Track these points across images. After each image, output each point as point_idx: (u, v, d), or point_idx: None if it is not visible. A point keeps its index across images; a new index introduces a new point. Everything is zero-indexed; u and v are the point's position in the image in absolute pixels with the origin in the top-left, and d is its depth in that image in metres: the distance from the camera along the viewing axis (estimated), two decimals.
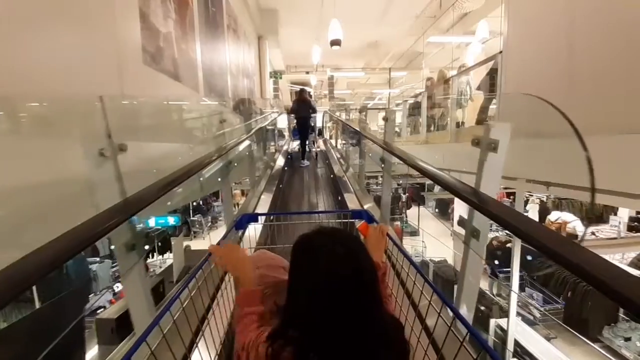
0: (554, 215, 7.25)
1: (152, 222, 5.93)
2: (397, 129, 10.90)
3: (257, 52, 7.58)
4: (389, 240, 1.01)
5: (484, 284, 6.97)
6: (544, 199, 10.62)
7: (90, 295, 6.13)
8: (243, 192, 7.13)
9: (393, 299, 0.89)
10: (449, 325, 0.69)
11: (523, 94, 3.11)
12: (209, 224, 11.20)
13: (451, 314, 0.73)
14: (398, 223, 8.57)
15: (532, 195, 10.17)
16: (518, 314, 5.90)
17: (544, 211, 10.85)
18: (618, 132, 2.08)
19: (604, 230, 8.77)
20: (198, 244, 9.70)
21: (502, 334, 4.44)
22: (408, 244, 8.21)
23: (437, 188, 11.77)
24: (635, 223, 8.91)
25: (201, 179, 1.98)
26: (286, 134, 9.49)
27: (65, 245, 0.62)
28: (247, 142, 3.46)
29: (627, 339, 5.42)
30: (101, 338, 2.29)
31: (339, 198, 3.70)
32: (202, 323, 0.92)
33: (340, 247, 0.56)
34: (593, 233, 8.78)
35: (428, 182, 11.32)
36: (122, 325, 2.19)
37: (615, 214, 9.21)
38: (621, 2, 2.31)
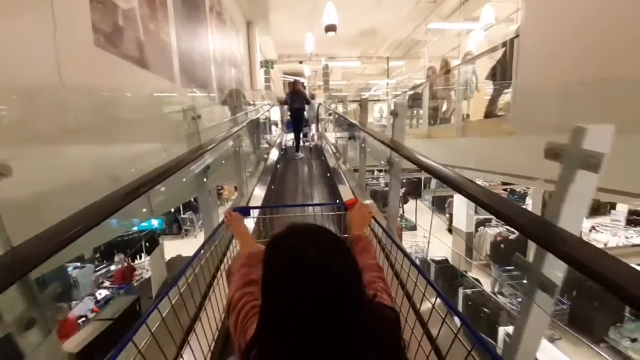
0: None
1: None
2: (390, 122, 10.49)
3: (246, 39, 7.01)
4: (375, 222, 1.06)
5: (485, 282, 6.72)
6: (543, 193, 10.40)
7: (72, 303, 5.72)
8: (236, 188, 6.71)
9: (383, 274, 0.82)
10: (433, 304, 0.74)
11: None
12: (201, 221, 10.75)
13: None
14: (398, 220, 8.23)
15: (529, 188, 9.95)
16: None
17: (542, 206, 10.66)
18: None
19: (606, 225, 8.60)
20: (189, 243, 9.26)
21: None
22: (408, 240, 7.91)
23: (433, 184, 11.47)
24: (634, 216, 8.76)
25: (163, 188, 1.54)
26: (279, 126, 9.00)
27: None
28: (235, 138, 3.03)
29: (634, 340, 5.22)
30: None
31: (336, 200, 3.36)
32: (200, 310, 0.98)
33: (313, 250, 0.49)
34: (594, 227, 8.59)
35: (425, 176, 10.99)
36: None
37: (614, 208, 9.04)
38: None
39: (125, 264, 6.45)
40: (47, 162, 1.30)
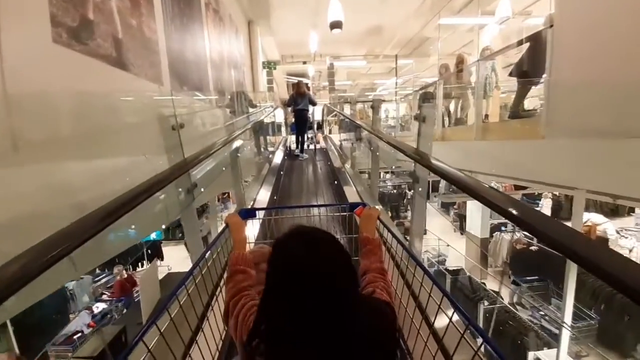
0: (583, 218, 6.44)
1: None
2: (400, 123, 10.04)
3: (247, 39, 6.66)
4: (380, 223, 1.06)
5: (504, 293, 6.25)
6: (557, 194, 9.83)
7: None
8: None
9: (388, 278, 0.83)
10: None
11: None
12: (204, 223, 10.48)
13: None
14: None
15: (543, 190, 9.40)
16: (544, 328, 5.20)
17: (557, 208, 10.09)
18: None
19: (629, 229, 8.01)
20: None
21: None
22: (424, 247, 7.39)
23: (442, 188, 10.96)
24: None
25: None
26: (283, 128, 8.64)
27: None
28: (234, 144, 2.68)
29: None
30: None
31: (342, 201, 3.18)
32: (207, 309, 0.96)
33: (303, 250, 0.55)
34: (618, 232, 8.02)
35: (433, 179, 10.49)
36: None
37: (633, 211, 8.45)
38: None
39: (125, 276, 6.14)
40: None
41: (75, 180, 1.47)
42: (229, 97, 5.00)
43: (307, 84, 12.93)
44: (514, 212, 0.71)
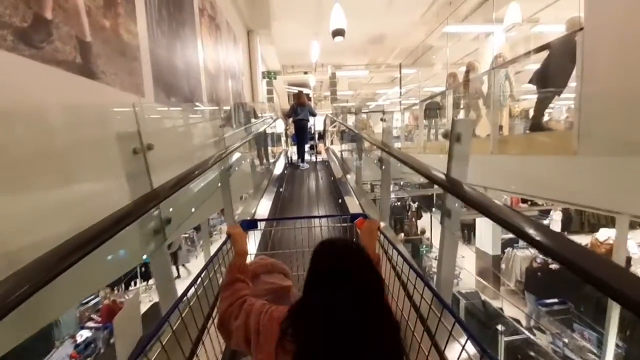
0: (602, 234, 6.01)
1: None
2: (403, 133, 9.73)
3: (246, 48, 6.41)
4: (381, 235, 1.09)
5: (520, 315, 5.76)
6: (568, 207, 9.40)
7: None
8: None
9: (388, 290, 0.93)
10: (433, 306, 0.75)
11: None
12: (202, 240, 10.07)
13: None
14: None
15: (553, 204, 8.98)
16: (567, 359, 4.71)
17: (567, 222, 9.64)
18: None
19: None
20: (190, 265, 8.49)
21: None
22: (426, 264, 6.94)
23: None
24: None
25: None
26: (283, 139, 8.31)
27: None
28: (229, 159, 2.34)
29: None
30: None
31: (342, 213, 3.05)
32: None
33: (352, 253, 0.67)
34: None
35: (437, 192, 10.06)
36: None
37: None
38: None
39: (113, 299, 5.69)
40: None
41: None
42: (227, 108, 4.69)
43: (308, 95, 12.73)
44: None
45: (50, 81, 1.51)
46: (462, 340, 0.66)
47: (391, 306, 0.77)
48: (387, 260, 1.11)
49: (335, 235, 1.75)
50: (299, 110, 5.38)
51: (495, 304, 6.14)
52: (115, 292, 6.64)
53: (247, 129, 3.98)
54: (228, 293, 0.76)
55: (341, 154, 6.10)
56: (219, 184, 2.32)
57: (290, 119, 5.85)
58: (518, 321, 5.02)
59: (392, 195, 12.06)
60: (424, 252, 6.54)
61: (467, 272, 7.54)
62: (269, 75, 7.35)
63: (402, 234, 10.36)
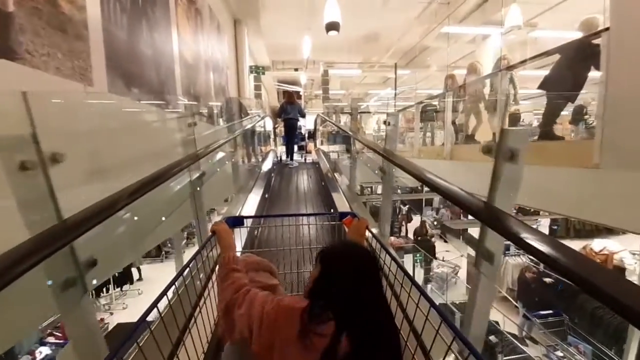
0: (597, 245, 5.89)
1: None
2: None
3: (232, 40, 5.90)
4: (369, 233, 1.07)
5: (512, 325, 5.56)
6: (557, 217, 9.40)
7: None
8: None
9: None
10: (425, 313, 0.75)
11: None
12: (185, 240, 9.47)
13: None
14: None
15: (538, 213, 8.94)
16: None
17: (553, 227, 9.64)
18: None
19: None
20: (170, 268, 7.91)
21: None
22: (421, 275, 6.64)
23: (436, 202, 10.31)
24: None
25: None
26: (271, 140, 7.84)
27: None
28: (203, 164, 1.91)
29: None
30: None
31: (331, 210, 2.91)
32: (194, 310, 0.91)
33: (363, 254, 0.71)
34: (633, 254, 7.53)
35: (427, 197, 9.76)
36: None
37: None
38: None
39: None
40: None
41: None
42: (217, 104, 4.22)
43: (298, 92, 12.27)
44: None
45: None
46: (449, 339, 0.66)
47: None
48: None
49: (323, 233, 1.77)
50: (289, 109, 5.47)
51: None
52: None
53: (230, 127, 3.53)
54: (228, 283, 0.75)
55: (330, 156, 5.77)
56: (193, 190, 1.89)
57: (280, 118, 5.85)
58: (515, 336, 4.79)
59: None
60: (418, 260, 6.22)
61: (462, 273, 7.35)
62: (257, 70, 6.86)
63: (393, 237, 10.11)
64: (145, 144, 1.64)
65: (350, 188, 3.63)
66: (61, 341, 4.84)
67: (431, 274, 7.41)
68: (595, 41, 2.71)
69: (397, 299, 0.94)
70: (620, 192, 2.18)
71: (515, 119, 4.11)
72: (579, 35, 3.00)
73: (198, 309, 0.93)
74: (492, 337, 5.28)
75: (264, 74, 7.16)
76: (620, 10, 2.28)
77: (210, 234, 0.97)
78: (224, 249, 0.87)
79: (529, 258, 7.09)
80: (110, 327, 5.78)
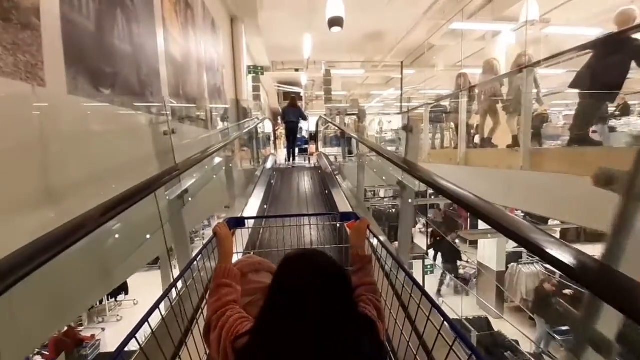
0: None
1: None
2: (398, 137, 9.06)
3: (229, 38, 5.53)
4: (370, 233, 1.05)
5: (527, 340, 5.16)
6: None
7: None
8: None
9: (378, 289, 0.85)
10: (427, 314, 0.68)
11: None
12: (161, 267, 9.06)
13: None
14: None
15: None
16: None
17: (564, 231, 9.26)
18: None
19: None
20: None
21: None
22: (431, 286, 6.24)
23: (442, 205, 9.87)
24: None
25: None
26: (272, 143, 7.47)
27: None
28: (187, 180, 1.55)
29: None
30: None
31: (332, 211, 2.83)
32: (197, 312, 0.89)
33: (317, 275, 0.57)
34: None
35: (433, 201, 9.36)
36: None
37: None
38: None
39: (63, 331, 4.72)
40: None
41: None
42: (222, 106, 3.85)
43: (299, 94, 11.91)
44: None
45: None
46: (451, 339, 0.61)
47: (383, 309, 0.76)
48: (377, 260, 1.06)
49: (324, 234, 1.69)
50: (290, 112, 5.77)
51: (500, 323, 5.55)
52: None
53: (224, 132, 3.16)
54: (213, 300, 0.71)
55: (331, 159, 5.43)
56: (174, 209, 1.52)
57: (280, 120, 6.23)
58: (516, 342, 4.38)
59: (386, 202, 11.44)
60: (429, 272, 5.83)
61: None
62: (256, 70, 6.49)
63: (397, 243, 9.71)
64: (98, 162, 1.28)
65: (358, 200, 3.25)
66: None
67: (450, 279, 7.05)
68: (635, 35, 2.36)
69: (399, 299, 0.93)
70: None
71: (542, 119, 3.73)
72: (598, 31, 2.65)
73: (200, 311, 0.89)
74: (508, 354, 4.90)
75: (262, 74, 6.79)
76: None
77: (212, 234, 0.94)
78: (220, 258, 0.84)
79: (543, 266, 6.71)
80: (105, 341, 5.40)
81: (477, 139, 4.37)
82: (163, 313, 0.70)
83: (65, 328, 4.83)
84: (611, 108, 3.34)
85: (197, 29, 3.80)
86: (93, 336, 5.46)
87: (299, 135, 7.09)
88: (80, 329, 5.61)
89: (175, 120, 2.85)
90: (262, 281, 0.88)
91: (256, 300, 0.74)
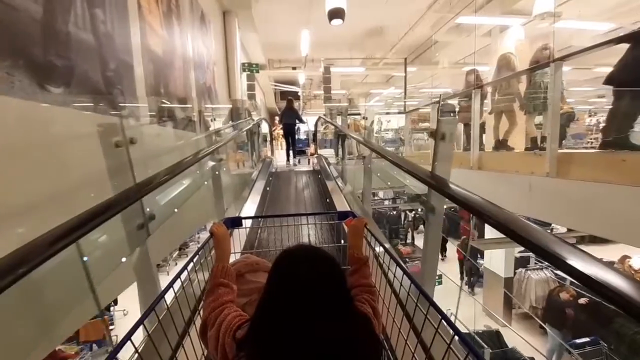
0: (637, 262, 5.16)
1: None
2: (400, 137, 8.68)
3: (221, 33, 5.13)
4: (367, 231, 1.03)
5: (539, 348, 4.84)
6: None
7: None
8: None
9: (375, 290, 0.83)
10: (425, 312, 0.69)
11: None
12: (177, 252, 8.73)
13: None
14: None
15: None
16: None
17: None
18: None
19: None
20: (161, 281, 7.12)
21: None
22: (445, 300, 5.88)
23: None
24: None
25: None
26: (267, 142, 7.11)
27: None
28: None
29: None
30: None
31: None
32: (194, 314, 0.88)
33: (313, 269, 0.57)
34: None
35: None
36: None
37: None
38: None
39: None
40: None
41: None
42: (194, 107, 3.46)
43: (296, 93, 11.51)
44: None
45: None
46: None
47: (379, 310, 0.75)
48: (374, 258, 1.02)
49: (322, 233, 1.67)
50: (287, 114, 6.10)
51: (506, 331, 5.22)
52: None
53: (209, 137, 2.78)
54: (210, 299, 0.71)
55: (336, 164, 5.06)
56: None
57: (278, 121, 6.55)
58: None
59: (386, 203, 11.05)
60: (438, 282, 5.46)
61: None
62: (250, 68, 6.09)
63: (400, 246, 9.38)
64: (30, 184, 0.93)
65: (364, 211, 2.89)
66: None
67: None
68: None
69: (397, 297, 0.91)
70: None
71: (568, 118, 3.38)
72: (610, 26, 2.30)
73: (197, 312, 0.86)
74: None
75: (257, 72, 6.39)
76: None
77: (209, 234, 0.89)
78: (217, 258, 0.82)
79: (553, 272, 6.39)
80: None
81: (484, 140, 4.02)
82: (159, 315, 0.68)
83: None
84: None
85: (183, 21, 3.40)
86: (77, 354, 5.08)
87: (298, 137, 7.48)
88: (63, 347, 5.20)
89: (153, 124, 2.46)
90: (259, 281, 0.87)
91: (254, 301, 0.74)
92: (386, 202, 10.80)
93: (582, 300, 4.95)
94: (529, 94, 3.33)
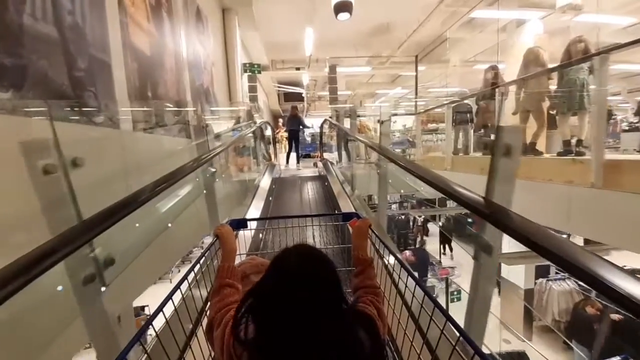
0: None
1: None
2: (409, 139, 8.30)
3: (220, 32, 4.83)
4: (372, 233, 1.02)
5: None
6: None
7: None
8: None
9: (380, 292, 0.81)
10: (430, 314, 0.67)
11: None
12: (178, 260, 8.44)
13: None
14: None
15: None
16: None
17: None
18: None
19: None
20: (163, 290, 6.85)
21: None
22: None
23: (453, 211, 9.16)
24: None
25: None
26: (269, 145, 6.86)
27: None
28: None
29: None
30: None
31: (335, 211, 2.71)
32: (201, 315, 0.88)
33: (302, 266, 0.57)
34: None
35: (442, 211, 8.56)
36: None
37: None
38: None
39: None
40: None
41: None
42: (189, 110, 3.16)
43: (300, 94, 11.20)
44: None
45: None
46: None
47: (384, 312, 0.74)
48: (379, 259, 1.00)
49: (327, 235, 1.76)
50: (291, 121, 6.46)
51: (533, 351, 4.81)
52: None
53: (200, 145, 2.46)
54: (216, 299, 0.71)
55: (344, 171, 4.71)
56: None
57: (281, 124, 6.88)
58: None
59: (393, 207, 10.63)
60: (456, 299, 5.08)
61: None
62: (252, 68, 5.78)
63: (408, 252, 8.98)
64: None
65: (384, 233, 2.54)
66: None
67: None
68: None
69: (402, 298, 0.89)
70: None
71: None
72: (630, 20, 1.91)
73: (204, 313, 0.83)
74: None
75: (259, 72, 6.08)
76: None
77: (214, 237, 0.90)
78: (223, 257, 0.82)
79: (576, 282, 5.96)
80: None
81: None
82: (167, 316, 0.68)
83: None
84: None
85: (175, 17, 3.09)
86: None
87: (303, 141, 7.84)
88: None
89: (138, 130, 2.14)
90: None
91: None
92: (411, 217, 10.19)
93: (614, 316, 4.52)
94: (562, 91, 2.95)
